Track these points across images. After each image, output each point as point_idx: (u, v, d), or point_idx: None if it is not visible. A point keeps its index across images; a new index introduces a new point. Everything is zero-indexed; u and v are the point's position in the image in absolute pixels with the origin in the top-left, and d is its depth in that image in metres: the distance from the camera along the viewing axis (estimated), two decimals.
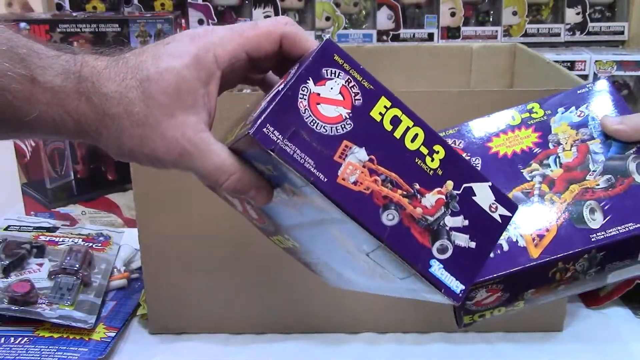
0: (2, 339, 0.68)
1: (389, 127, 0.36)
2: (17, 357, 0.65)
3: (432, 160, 0.36)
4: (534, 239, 0.45)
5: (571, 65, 1.03)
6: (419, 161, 0.36)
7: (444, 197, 0.37)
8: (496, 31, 1.18)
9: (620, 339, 0.71)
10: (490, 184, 0.38)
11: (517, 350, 0.68)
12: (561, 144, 0.49)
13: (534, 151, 0.49)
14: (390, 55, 0.91)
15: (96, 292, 0.74)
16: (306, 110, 0.35)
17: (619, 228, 0.44)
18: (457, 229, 0.37)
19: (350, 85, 0.36)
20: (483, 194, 0.38)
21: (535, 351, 0.68)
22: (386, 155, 0.36)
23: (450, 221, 0.37)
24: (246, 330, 0.72)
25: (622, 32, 1.18)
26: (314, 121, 0.35)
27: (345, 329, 0.71)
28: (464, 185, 0.37)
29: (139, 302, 0.75)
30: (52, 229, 0.89)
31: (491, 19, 1.20)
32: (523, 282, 0.45)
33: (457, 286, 0.36)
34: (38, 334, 0.69)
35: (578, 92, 0.52)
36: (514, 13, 1.18)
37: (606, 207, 0.45)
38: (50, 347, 0.66)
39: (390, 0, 1.19)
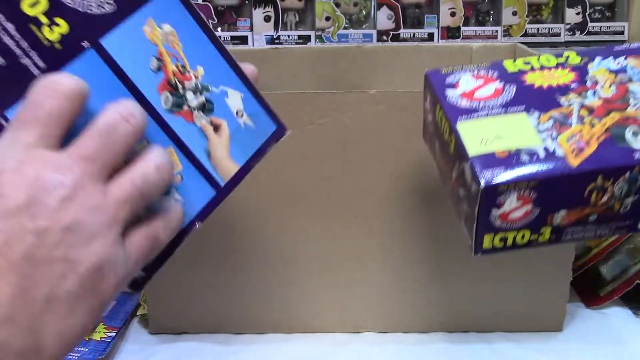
0: None
1: None
2: None
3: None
4: (573, 150, 0.43)
5: None
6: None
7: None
8: (496, 31, 1.19)
9: (620, 339, 0.71)
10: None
11: (517, 350, 0.68)
12: (599, 83, 0.48)
13: (571, 86, 0.48)
14: (390, 55, 0.91)
15: None
16: None
17: None
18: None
19: None
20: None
21: (535, 351, 0.68)
22: None
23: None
24: (246, 330, 0.72)
25: (622, 32, 1.18)
26: None
27: (346, 329, 0.71)
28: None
29: (139, 302, 0.75)
30: None
31: (491, 19, 1.20)
32: (557, 196, 0.42)
33: None
34: None
35: (615, 49, 0.51)
36: (514, 13, 1.18)
37: None
38: None
39: (390, 0, 1.19)
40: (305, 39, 1.23)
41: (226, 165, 0.42)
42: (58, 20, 0.36)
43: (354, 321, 0.71)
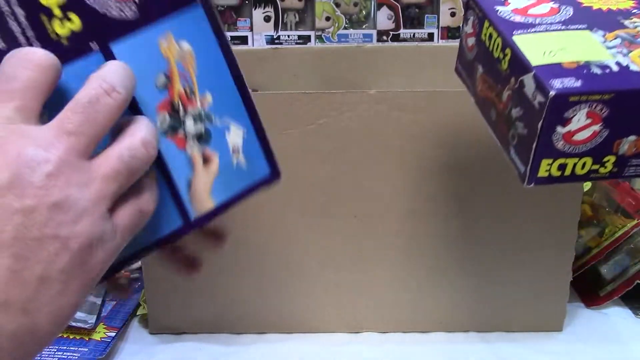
0: None
1: None
2: None
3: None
4: None
5: None
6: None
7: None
8: None
9: (620, 339, 0.71)
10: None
11: (517, 350, 0.68)
12: None
13: (633, 11, 0.44)
14: (390, 55, 0.91)
15: (96, 292, 0.74)
16: None
17: None
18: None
19: None
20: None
21: (535, 351, 0.68)
22: None
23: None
24: (246, 330, 0.72)
25: None
26: None
27: (345, 329, 0.71)
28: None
29: (139, 302, 0.75)
30: None
31: None
32: (629, 116, 0.38)
33: None
34: None
35: None
36: None
37: None
38: (50, 347, 0.66)
39: (390, 0, 1.19)
40: (305, 39, 1.23)
41: (203, 201, 0.40)
42: (72, 15, 0.35)
43: (354, 321, 0.71)
